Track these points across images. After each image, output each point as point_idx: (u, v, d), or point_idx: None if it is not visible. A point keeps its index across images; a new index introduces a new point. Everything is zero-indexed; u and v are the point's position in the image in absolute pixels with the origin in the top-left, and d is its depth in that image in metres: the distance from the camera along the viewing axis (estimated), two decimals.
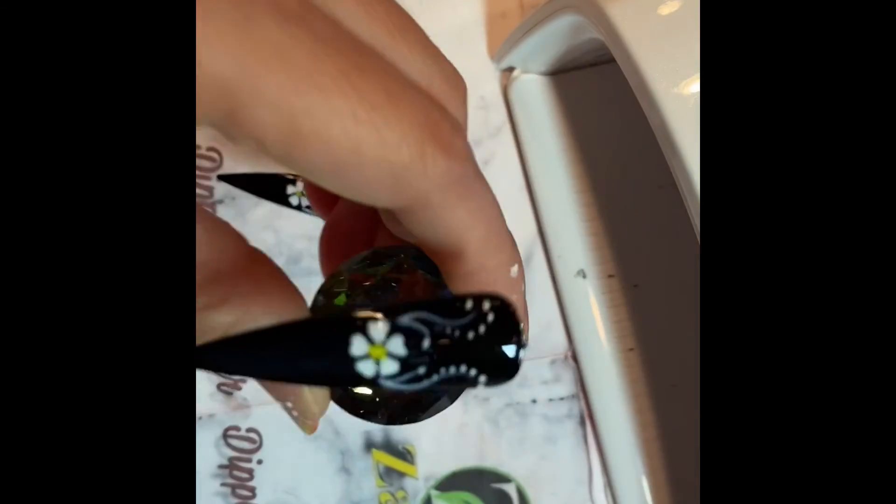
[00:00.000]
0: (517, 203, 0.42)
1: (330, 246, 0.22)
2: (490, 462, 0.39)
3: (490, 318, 0.15)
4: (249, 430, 0.39)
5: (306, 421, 0.19)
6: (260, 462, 0.38)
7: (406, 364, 0.15)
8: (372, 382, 0.15)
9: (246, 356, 0.15)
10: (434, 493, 0.38)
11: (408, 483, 0.38)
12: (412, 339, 0.15)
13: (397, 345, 0.15)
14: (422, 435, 0.39)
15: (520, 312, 0.19)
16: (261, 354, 0.15)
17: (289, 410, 0.19)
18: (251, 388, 0.39)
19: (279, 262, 0.40)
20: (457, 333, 0.15)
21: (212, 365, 0.15)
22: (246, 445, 0.39)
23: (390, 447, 0.39)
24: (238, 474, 0.38)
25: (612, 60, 0.30)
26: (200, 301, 0.16)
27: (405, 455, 0.39)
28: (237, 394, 0.39)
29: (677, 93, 0.27)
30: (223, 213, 0.41)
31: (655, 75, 0.28)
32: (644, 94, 0.28)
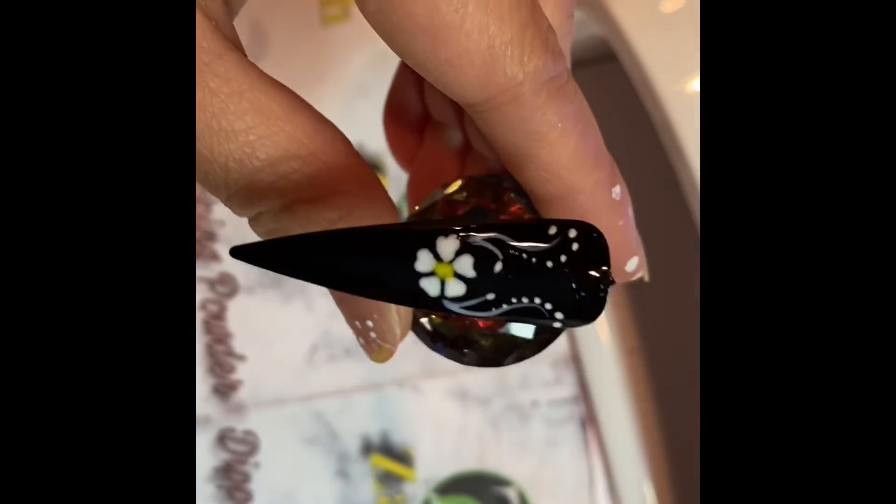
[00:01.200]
0: None
1: (416, 191, 0.21)
2: (490, 465, 0.38)
3: (574, 247, 0.14)
4: (247, 432, 0.38)
5: (383, 345, 0.17)
6: (257, 465, 0.38)
7: (473, 288, 0.14)
8: (435, 303, 0.14)
9: (312, 253, 0.14)
10: (433, 496, 0.38)
11: (406, 487, 0.38)
12: (483, 260, 0.14)
13: (465, 265, 0.14)
14: (421, 437, 0.39)
15: (624, 242, 0.17)
16: (325, 254, 0.14)
17: (364, 333, 0.17)
18: (248, 390, 0.39)
19: None
20: (533, 260, 0.14)
21: (265, 259, 0.14)
22: (242, 448, 0.38)
23: (389, 450, 0.38)
24: (234, 477, 0.38)
25: (613, 58, 0.30)
26: (305, 193, 0.15)
27: (404, 458, 0.38)
28: (233, 395, 0.38)
29: (680, 90, 0.27)
30: (219, 211, 0.40)
31: (658, 72, 0.28)
32: (647, 91, 0.28)
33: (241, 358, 0.39)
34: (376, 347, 0.17)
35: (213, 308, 0.39)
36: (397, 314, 0.17)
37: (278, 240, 0.14)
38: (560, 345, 0.40)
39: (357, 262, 0.14)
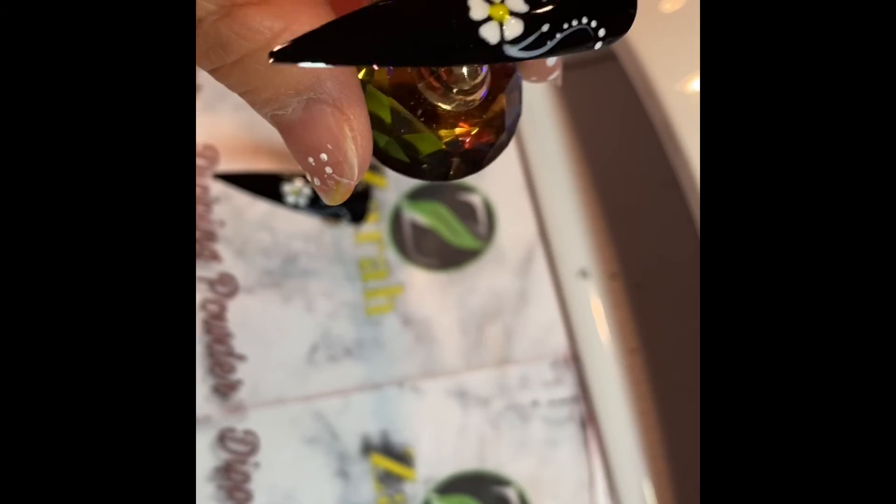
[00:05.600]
0: (518, 202, 0.41)
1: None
2: (490, 465, 0.38)
3: None
4: (247, 432, 0.38)
5: (340, 180, 0.16)
6: (257, 465, 0.38)
7: (530, 22, 0.15)
8: (496, 51, 0.14)
9: (360, 37, 0.14)
10: (433, 496, 0.38)
11: (406, 487, 0.38)
12: None
13: (517, 1, 0.15)
14: (421, 437, 0.39)
15: None
16: (377, 33, 0.14)
17: (319, 170, 0.16)
18: (248, 390, 0.38)
19: (275, 262, 0.40)
20: None
21: (325, 52, 0.13)
22: (242, 448, 0.38)
23: (389, 450, 0.38)
24: (234, 477, 0.38)
25: (613, 58, 0.30)
26: None
27: (404, 458, 0.38)
28: (233, 395, 0.38)
29: (680, 90, 0.27)
30: (219, 211, 0.40)
31: (658, 72, 0.28)
32: (647, 91, 0.28)
33: (241, 358, 0.39)
34: (333, 185, 0.16)
35: (213, 308, 0.39)
36: (353, 143, 0.16)
37: (327, 26, 0.13)
38: (560, 345, 0.40)
39: (413, 30, 0.14)
